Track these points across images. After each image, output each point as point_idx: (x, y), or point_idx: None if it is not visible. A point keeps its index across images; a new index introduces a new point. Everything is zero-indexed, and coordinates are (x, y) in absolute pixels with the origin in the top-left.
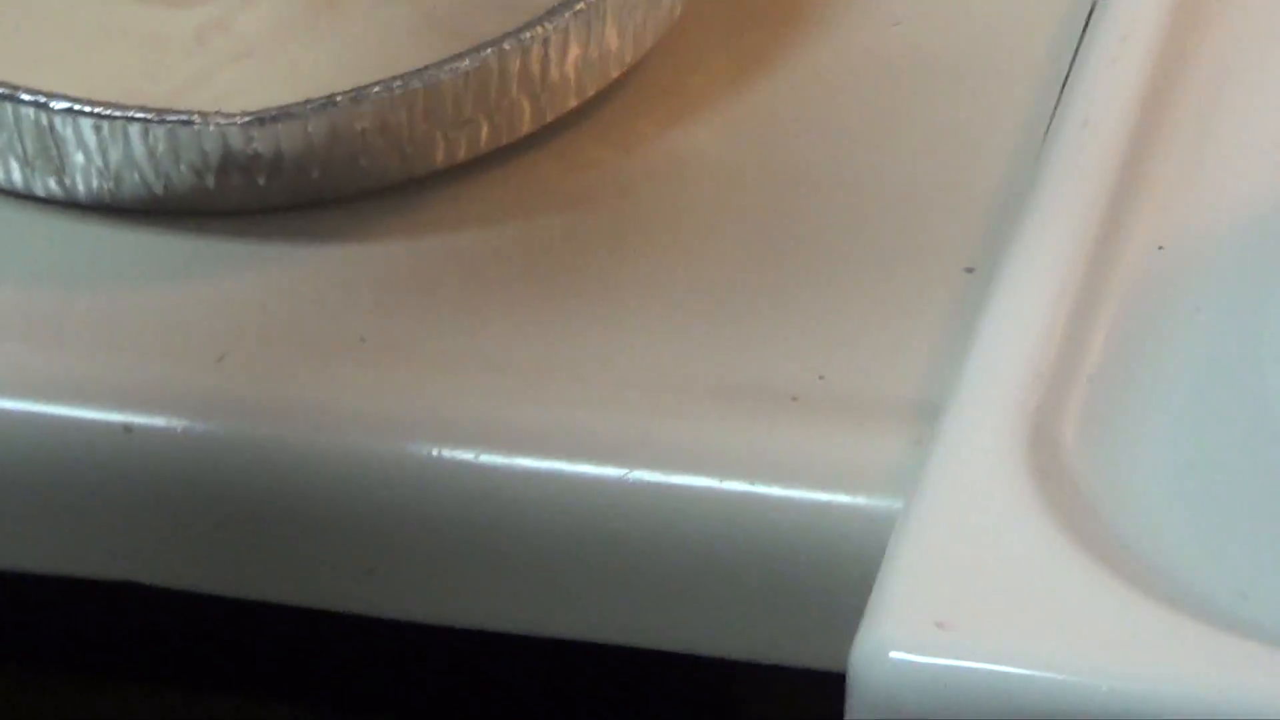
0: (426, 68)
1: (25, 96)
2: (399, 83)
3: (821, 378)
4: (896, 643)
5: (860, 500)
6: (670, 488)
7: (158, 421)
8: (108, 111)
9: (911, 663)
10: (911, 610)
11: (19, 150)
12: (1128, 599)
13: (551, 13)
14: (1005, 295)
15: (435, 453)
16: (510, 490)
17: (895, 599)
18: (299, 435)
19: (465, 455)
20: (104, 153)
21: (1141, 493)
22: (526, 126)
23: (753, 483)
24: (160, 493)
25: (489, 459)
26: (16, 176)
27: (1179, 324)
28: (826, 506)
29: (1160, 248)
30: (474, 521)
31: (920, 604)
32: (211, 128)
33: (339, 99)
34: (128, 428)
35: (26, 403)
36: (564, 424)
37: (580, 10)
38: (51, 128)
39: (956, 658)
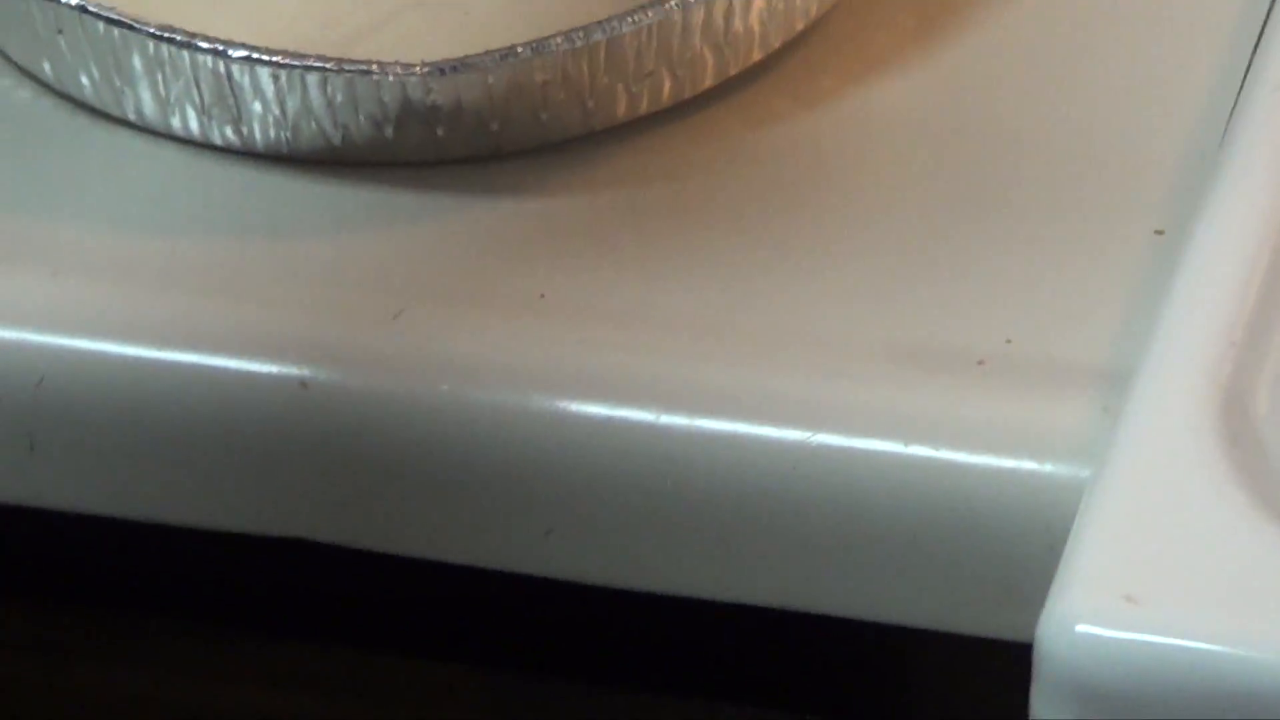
0: (609, 19)
1: (203, 45)
2: (580, 34)
3: (1009, 341)
4: (1085, 616)
5: (1047, 468)
6: (854, 452)
7: (333, 377)
8: (286, 60)
9: (1100, 636)
10: (1100, 583)
11: (196, 99)
12: None
13: None
14: (1196, 260)
15: (614, 413)
16: (690, 452)
17: (1084, 571)
18: (476, 393)
19: (645, 416)
20: (281, 102)
21: None
22: (709, 80)
23: (938, 448)
24: (335, 450)
25: (669, 420)
26: (194, 125)
27: None
28: (1013, 474)
29: None
30: (653, 484)
31: (1109, 577)
32: (390, 78)
33: (520, 50)
34: (303, 383)
35: (200, 355)
36: (746, 385)
37: None
38: (229, 76)
39: (1146, 632)
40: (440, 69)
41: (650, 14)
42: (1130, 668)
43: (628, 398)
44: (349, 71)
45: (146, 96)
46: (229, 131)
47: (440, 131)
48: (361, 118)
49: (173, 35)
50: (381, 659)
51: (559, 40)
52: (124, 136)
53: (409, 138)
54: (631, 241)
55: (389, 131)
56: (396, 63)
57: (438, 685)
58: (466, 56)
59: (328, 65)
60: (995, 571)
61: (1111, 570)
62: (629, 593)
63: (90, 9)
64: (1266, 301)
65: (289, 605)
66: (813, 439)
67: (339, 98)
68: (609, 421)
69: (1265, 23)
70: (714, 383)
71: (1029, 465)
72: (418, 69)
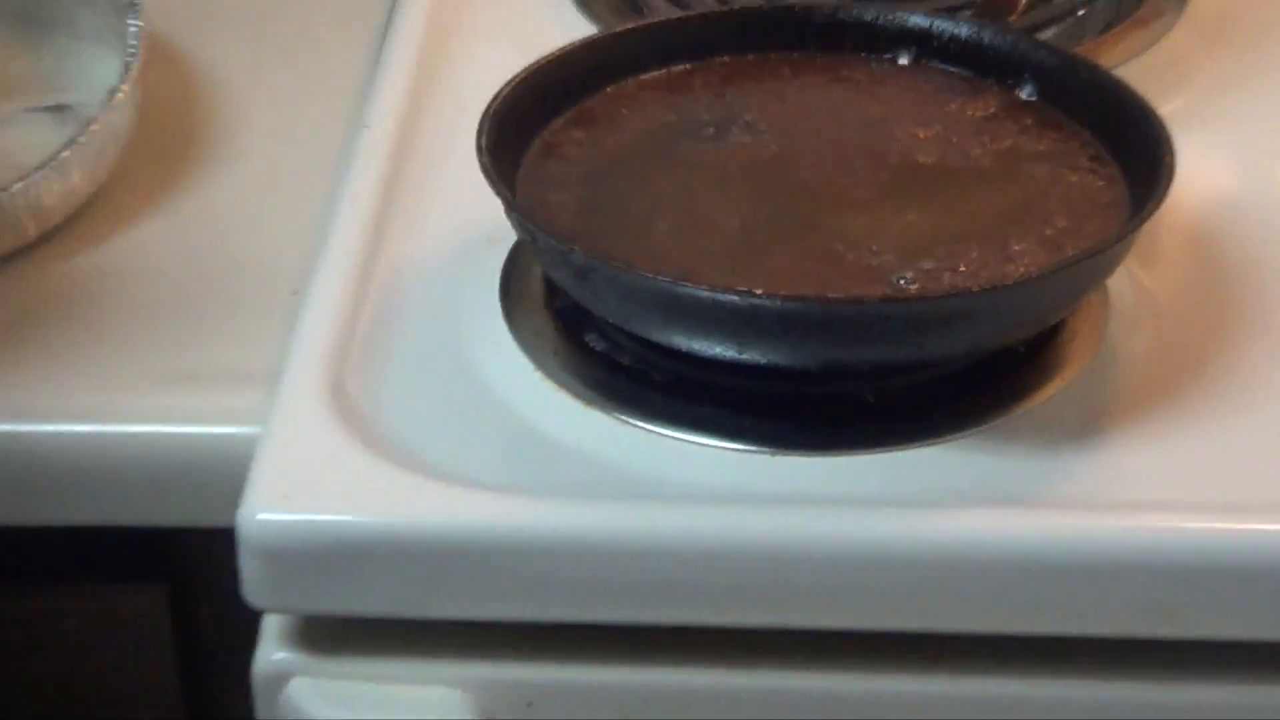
0: None
1: None
2: None
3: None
4: (260, 508)
5: (243, 430)
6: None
7: None
8: None
9: (269, 520)
10: (267, 489)
11: None
12: (373, 463)
13: None
14: (310, 302)
15: None
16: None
17: (257, 483)
18: None
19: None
20: None
21: (391, 406)
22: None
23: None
24: None
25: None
26: None
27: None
28: (232, 435)
29: (397, 270)
30: None
31: (272, 486)
32: None
33: None
34: None
35: None
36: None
37: None
38: None
39: (293, 514)
40: None
41: None
42: (287, 533)
43: None
44: None
45: None
46: None
47: None
48: None
49: None
50: None
51: None
52: None
53: None
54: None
55: None
56: None
57: None
58: None
59: None
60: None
61: (273, 480)
62: None
63: None
64: (351, 326)
65: None
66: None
67: None
68: None
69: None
70: None
71: (234, 430)
72: None
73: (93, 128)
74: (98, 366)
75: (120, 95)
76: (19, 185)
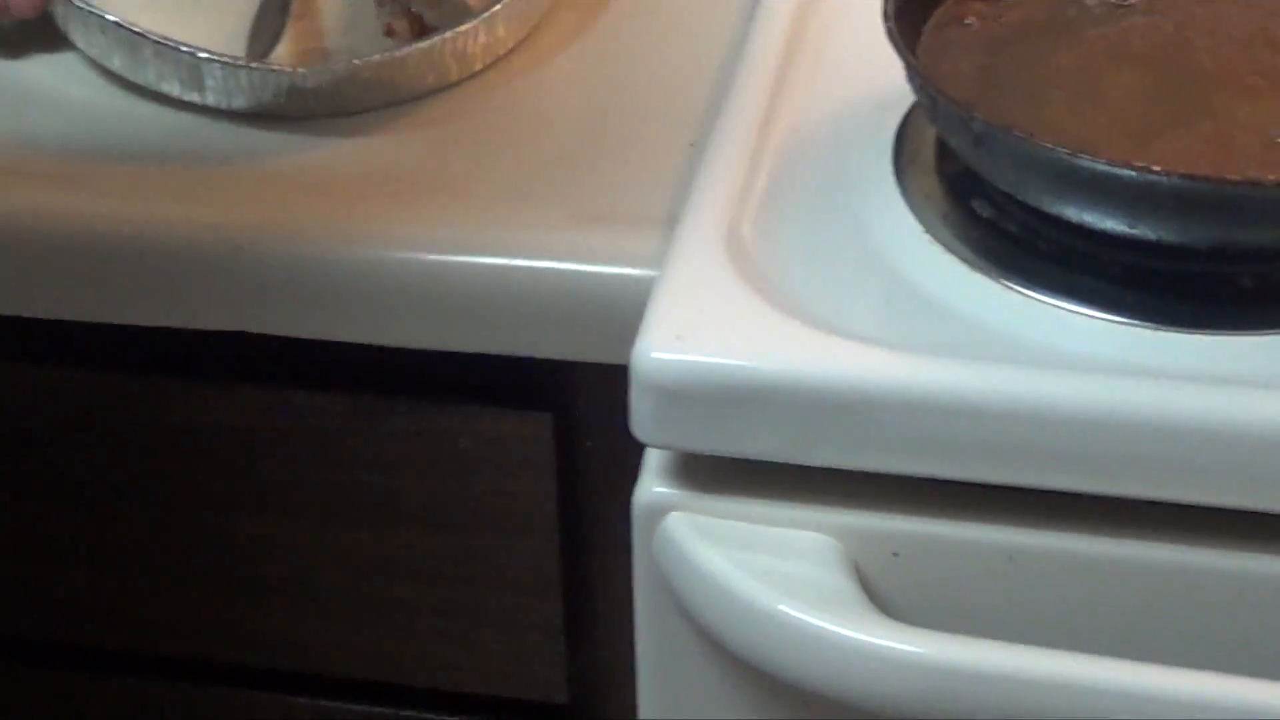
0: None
1: (184, 49)
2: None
3: (610, 203)
4: (654, 347)
5: (638, 271)
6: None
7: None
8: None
9: (661, 359)
10: (661, 328)
11: (180, 77)
12: (763, 311)
13: None
14: (709, 155)
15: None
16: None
17: (652, 322)
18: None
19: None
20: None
21: (783, 257)
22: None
23: (596, 265)
24: None
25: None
26: (176, 91)
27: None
28: (625, 276)
29: (797, 126)
30: None
31: (666, 325)
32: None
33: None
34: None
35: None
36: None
37: None
38: (198, 67)
39: (687, 354)
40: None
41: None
42: (678, 372)
43: None
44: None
45: (150, 75)
46: (196, 97)
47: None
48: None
49: (168, 42)
50: None
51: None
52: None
53: (301, 105)
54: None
55: (283, 101)
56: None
57: None
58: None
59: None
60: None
61: (668, 321)
62: None
63: (125, 26)
64: (748, 179)
65: None
66: (522, 263)
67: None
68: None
69: None
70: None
71: (631, 271)
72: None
73: None
74: (506, 203)
75: None
76: (449, 34)
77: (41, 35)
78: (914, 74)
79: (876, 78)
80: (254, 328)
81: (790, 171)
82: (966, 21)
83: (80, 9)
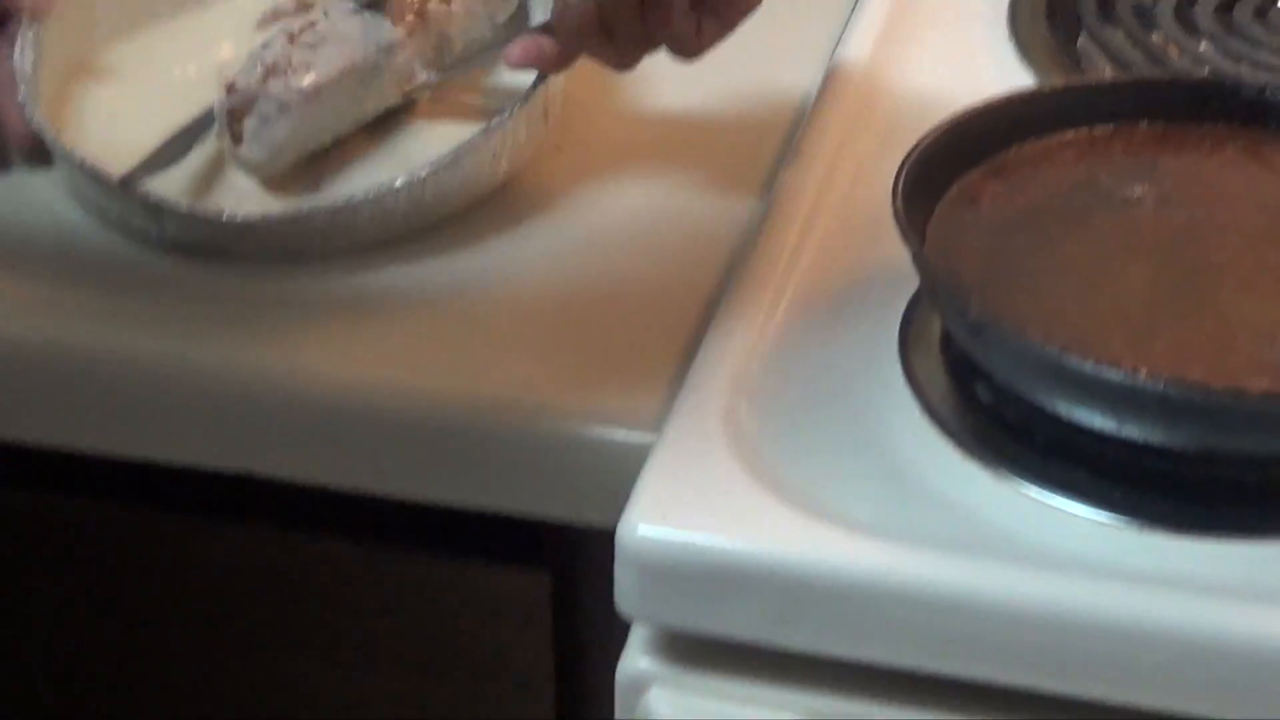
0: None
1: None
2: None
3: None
4: (643, 520)
5: (635, 437)
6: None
7: None
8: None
9: (647, 536)
10: (651, 505)
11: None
12: (755, 492)
13: None
14: (719, 322)
15: None
16: None
17: (642, 498)
18: None
19: None
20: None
21: (779, 435)
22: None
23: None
24: None
25: None
26: (137, 224)
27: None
28: (623, 441)
29: (806, 299)
30: None
31: (657, 502)
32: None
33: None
34: None
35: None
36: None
37: None
38: (158, 208)
39: (674, 530)
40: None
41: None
42: (664, 550)
43: None
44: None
45: (120, 210)
46: (154, 231)
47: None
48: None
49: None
50: None
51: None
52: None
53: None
54: None
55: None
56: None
57: None
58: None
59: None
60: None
61: (657, 496)
62: None
63: (90, 167)
64: (754, 351)
65: None
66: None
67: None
68: None
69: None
70: None
71: (632, 435)
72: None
73: (511, 120)
74: (495, 354)
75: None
76: (431, 169)
77: (38, 150)
78: (917, 258)
79: (893, 249)
80: (259, 470)
81: (798, 341)
82: (979, 202)
83: (54, 145)
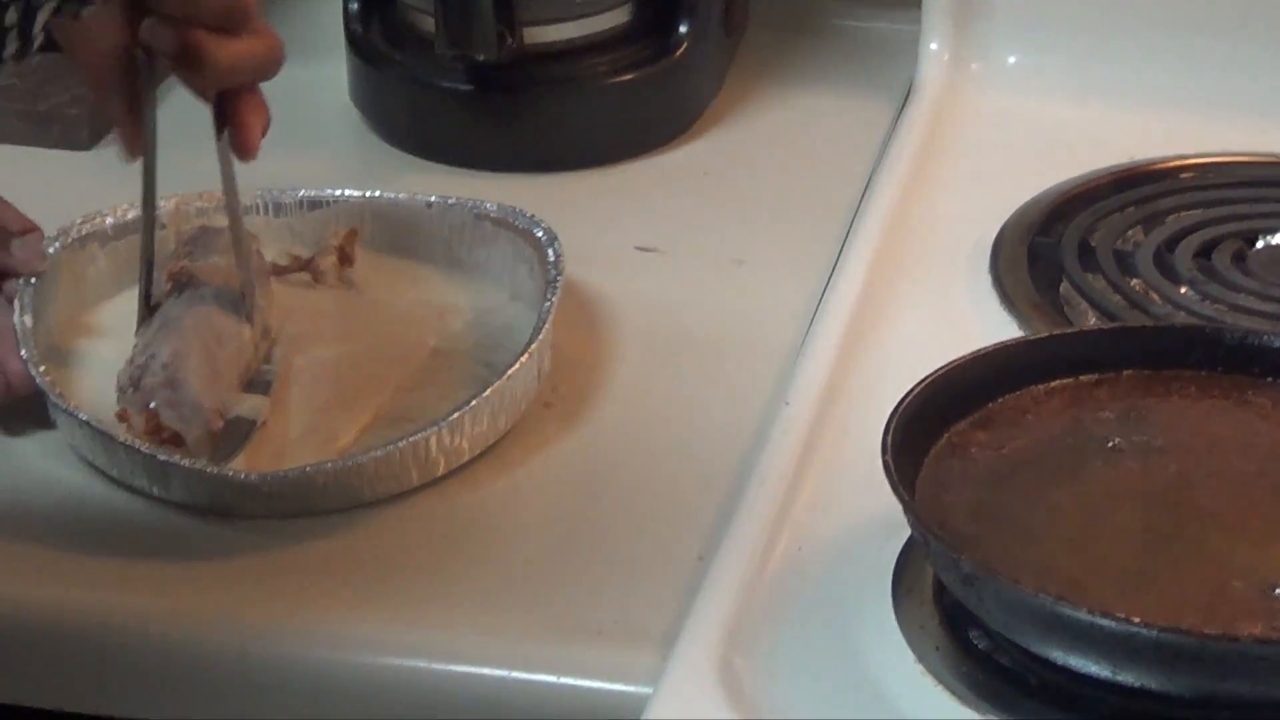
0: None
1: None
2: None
3: (615, 621)
4: None
5: (631, 688)
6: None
7: None
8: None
9: None
10: None
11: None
12: None
13: None
14: (712, 573)
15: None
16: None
17: None
18: None
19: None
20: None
21: (774, 684)
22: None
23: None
24: None
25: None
26: (142, 485)
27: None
28: (621, 692)
29: (799, 548)
30: None
31: None
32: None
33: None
34: None
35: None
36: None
37: None
38: (163, 471)
39: None
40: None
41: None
42: None
43: None
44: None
45: (123, 469)
46: (157, 490)
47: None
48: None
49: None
50: None
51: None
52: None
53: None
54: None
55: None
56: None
57: None
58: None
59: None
60: None
61: None
62: None
63: (95, 426)
64: (747, 600)
65: None
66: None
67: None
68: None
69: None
70: None
71: (625, 688)
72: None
73: (506, 379)
74: (494, 609)
75: (528, 357)
76: (431, 430)
77: (38, 410)
78: (908, 511)
79: (884, 496)
80: None
81: (791, 590)
82: (968, 452)
83: (57, 404)
